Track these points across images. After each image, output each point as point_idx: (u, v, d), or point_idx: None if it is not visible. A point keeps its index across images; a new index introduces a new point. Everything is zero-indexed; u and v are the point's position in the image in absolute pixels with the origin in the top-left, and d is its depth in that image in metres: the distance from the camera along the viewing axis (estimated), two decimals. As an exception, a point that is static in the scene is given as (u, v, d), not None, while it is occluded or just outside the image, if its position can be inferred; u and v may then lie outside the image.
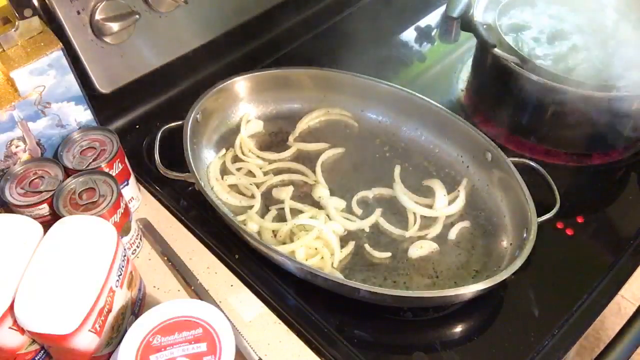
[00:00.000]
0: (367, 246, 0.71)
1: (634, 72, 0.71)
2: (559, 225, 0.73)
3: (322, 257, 0.68)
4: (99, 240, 0.56)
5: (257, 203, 0.74)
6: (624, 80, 0.68)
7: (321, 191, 0.76)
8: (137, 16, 0.73)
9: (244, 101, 0.84)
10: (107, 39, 0.74)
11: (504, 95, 0.78)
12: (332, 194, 0.76)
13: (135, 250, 0.69)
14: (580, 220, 0.74)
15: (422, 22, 1.08)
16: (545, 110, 0.73)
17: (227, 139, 0.82)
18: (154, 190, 0.77)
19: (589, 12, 0.83)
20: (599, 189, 0.79)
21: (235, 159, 0.80)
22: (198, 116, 0.76)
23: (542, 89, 0.72)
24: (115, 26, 0.73)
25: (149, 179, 0.78)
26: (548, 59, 0.78)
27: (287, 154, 0.81)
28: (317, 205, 0.75)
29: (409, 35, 1.06)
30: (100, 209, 0.61)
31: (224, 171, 0.78)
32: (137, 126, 0.86)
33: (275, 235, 0.71)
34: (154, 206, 0.76)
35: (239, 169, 0.78)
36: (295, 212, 0.73)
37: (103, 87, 0.77)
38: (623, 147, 0.81)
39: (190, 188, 0.75)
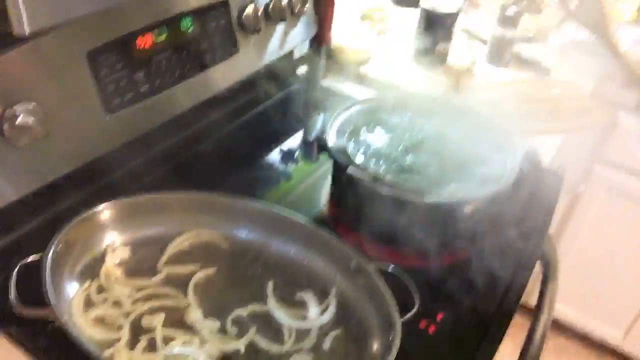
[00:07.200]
0: (244, 367, 0.70)
1: (460, 181, 0.84)
2: (422, 325, 0.79)
3: (198, 384, 0.66)
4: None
5: (125, 334, 0.71)
6: (453, 189, 0.80)
7: (194, 314, 0.75)
8: (-8, 151, 0.72)
9: (109, 229, 0.82)
10: (-43, 175, 0.71)
11: (360, 208, 0.86)
12: (206, 315, 0.75)
13: (-17, 403, 0.62)
14: (439, 317, 0.81)
15: (285, 145, 1.17)
16: (396, 219, 0.81)
17: (92, 269, 0.79)
18: (10, 331, 0.71)
19: (422, 133, 0.97)
20: (452, 286, 0.86)
21: (101, 289, 0.77)
22: (59, 248, 0.74)
23: (391, 201, 0.81)
24: (-34, 162, 0.70)
25: (3, 319, 0.72)
26: (392, 174, 0.88)
27: (156, 279, 0.80)
28: (191, 329, 0.74)
29: (274, 156, 1.14)
30: (-58, 360, 0.55)
31: (89, 303, 0.74)
32: (-10, 264, 0.80)
33: (146, 367, 0.68)
34: (10, 350, 0.70)
35: (104, 300, 0.75)
36: (168, 340, 0.71)
37: (-52, 226, 0.72)
38: (466, 247, 0.91)
39: (51, 326, 0.70)
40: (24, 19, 0.57)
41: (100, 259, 0.80)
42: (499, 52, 1.49)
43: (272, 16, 1.13)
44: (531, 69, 1.52)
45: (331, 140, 0.90)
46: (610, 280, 1.78)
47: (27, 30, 0.59)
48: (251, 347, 0.73)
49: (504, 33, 1.46)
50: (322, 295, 0.80)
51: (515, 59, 1.54)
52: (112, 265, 0.80)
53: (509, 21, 1.46)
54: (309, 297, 0.80)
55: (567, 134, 1.28)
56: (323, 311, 0.78)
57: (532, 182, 0.93)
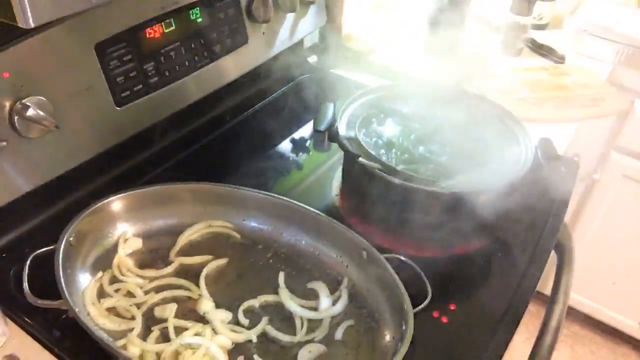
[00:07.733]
0: (256, 357, 0.70)
1: (473, 171, 0.83)
2: (435, 314, 0.78)
3: (210, 375, 0.66)
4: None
5: (138, 325, 0.71)
6: (465, 178, 0.79)
7: (206, 305, 0.75)
8: (4, 143, 0.72)
9: (121, 220, 0.82)
10: (-31, 168, 0.71)
11: (371, 198, 0.85)
12: (218, 306, 0.76)
13: (-1, 393, 0.63)
14: (452, 307, 0.80)
15: (297, 135, 1.16)
16: (408, 208, 0.81)
17: (105, 260, 0.79)
18: (23, 322, 0.72)
19: (433, 122, 0.96)
20: (465, 276, 0.86)
21: (114, 279, 0.77)
22: (71, 239, 0.74)
23: (403, 190, 0.80)
24: (-22, 154, 0.71)
25: (17, 310, 0.72)
26: (403, 164, 0.87)
27: (168, 269, 0.80)
28: (203, 320, 0.74)
29: (285, 146, 1.13)
30: (-43, 350, 0.56)
31: (102, 294, 0.75)
32: (4, 255, 0.81)
33: (159, 358, 0.68)
34: (24, 340, 0.70)
35: (117, 290, 0.76)
36: (180, 330, 0.71)
37: (-36, 217, 0.73)
38: (480, 237, 0.90)
39: (64, 316, 0.71)
40: (28, 11, 0.56)
41: (113, 250, 0.81)
42: (513, 40, 1.47)
43: (281, 5, 1.12)
44: (545, 56, 1.49)
45: (342, 130, 0.90)
46: (625, 268, 1.76)
47: (31, 22, 0.57)
48: (263, 337, 0.73)
49: (518, 20, 1.44)
50: (333, 286, 0.80)
51: (529, 46, 1.51)
52: (124, 256, 0.80)
53: (522, 8, 1.43)
54: (320, 288, 0.79)
55: (583, 122, 1.26)
56: (335, 301, 0.78)
57: (547, 171, 0.91)
